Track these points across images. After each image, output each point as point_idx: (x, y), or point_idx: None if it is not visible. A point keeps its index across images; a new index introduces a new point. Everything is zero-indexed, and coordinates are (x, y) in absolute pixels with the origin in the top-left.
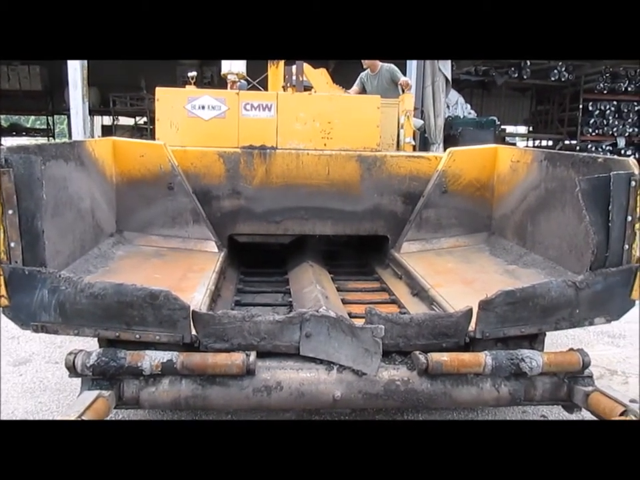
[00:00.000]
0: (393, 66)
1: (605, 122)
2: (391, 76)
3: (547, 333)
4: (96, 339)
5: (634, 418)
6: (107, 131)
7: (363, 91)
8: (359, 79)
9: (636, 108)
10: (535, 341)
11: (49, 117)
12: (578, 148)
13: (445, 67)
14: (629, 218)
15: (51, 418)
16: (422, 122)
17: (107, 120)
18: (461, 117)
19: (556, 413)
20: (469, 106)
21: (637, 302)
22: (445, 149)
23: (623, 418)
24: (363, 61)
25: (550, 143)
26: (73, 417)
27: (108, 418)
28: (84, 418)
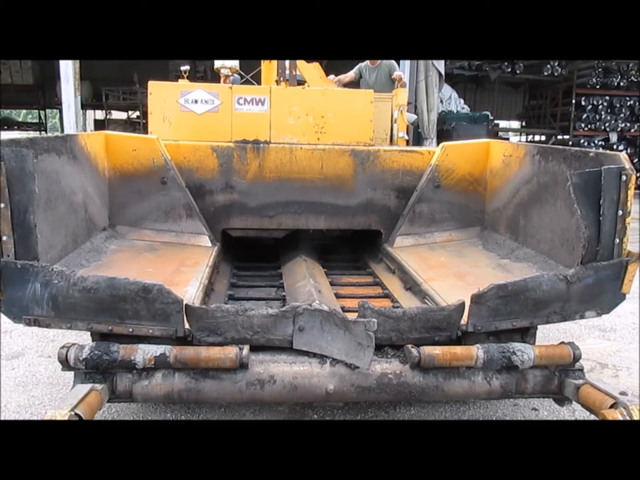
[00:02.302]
0: (393, 62)
1: (597, 117)
2: (390, 71)
3: (539, 326)
4: (89, 333)
5: (624, 410)
6: (99, 125)
7: (359, 80)
8: (357, 67)
9: (628, 103)
10: (526, 334)
11: (41, 111)
12: (570, 143)
13: (439, 61)
14: (620, 212)
15: (43, 411)
16: (415, 117)
17: (100, 114)
18: (454, 111)
19: (547, 406)
20: (462, 101)
21: (628, 295)
22: (438, 144)
23: (612, 411)
24: None
25: (543, 137)
26: (66, 410)
27: (101, 411)
28: (77, 411)
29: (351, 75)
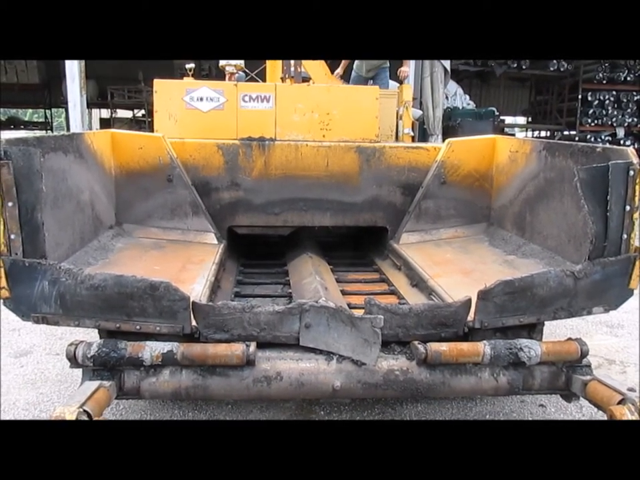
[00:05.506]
0: None
1: (604, 112)
2: None
3: (546, 322)
4: (96, 330)
5: (631, 406)
6: (105, 123)
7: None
8: None
9: (635, 98)
10: (533, 330)
11: (47, 110)
12: (577, 138)
13: None
14: (628, 207)
15: (52, 409)
16: (421, 112)
17: (105, 113)
18: (460, 107)
19: (554, 402)
20: (467, 97)
21: (635, 291)
22: (443, 140)
23: (620, 407)
24: None
25: (549, 133)
26: (74, 407)
27: (109, 408)
28: (85, 408)
29: (343, 63)
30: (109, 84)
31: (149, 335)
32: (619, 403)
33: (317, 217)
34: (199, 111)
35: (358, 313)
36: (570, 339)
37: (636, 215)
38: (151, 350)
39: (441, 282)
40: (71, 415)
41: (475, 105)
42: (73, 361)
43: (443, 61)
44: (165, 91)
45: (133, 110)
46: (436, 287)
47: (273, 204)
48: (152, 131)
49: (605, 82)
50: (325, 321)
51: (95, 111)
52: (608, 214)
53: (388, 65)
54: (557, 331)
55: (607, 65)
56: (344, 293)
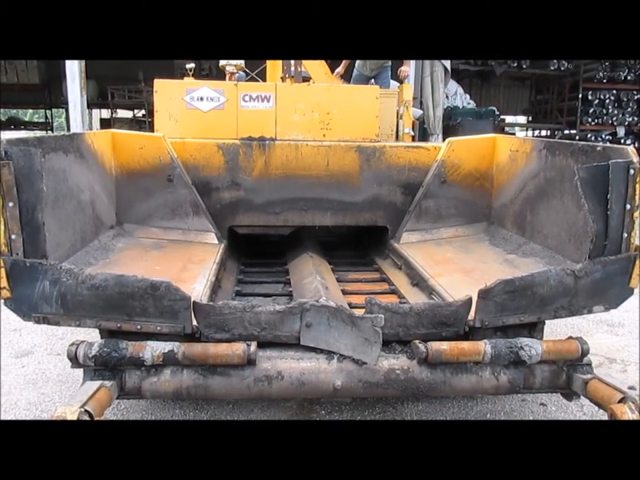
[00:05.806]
0: None
1: (604, 111)
2: None
3: (546, 321)
4: (97, 330)
5: (632, 404)
6: (105, 123)
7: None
8: None
9: (635, 97)
10: (534, 329)
11: (47, 111)
12: (577, 137)
13: None
14: (628, 206)
15: (53, 409)
16: (421, 112)
17: (105, 113)
18: (460, 107)
19: (555, 401)
20: (468, 96)
21: (635, 290)
22: (444, 140)
23: (621, 405)
24: None
25: (549, 132)
26: (75, 407)
27: (110, 408)
28: (86, 408)
29: (344, 62)
30: (109, 84)
31: (149, 334)
32: (620, 401)
33: (318, 217)
34: (199, 111)
35: (359, 312)
36: (570, 337)
37: (636, 214)
38: (152, 350)
39: (441, 281)
40: (72, 415)
41: (475, 104)
42: (74, 361)
43: (443, 61)
44: (165, 90)
45: (133, 110)
46: (436, 286)
47: (274, 203)
48: (152, 130)
49: (605, 81)
50: (326, 320)
51: (95, 111)
52: (608, 213)
53: (390, 64)
54: (557, 329)
55: (607, 64)
56: (344, 292)
